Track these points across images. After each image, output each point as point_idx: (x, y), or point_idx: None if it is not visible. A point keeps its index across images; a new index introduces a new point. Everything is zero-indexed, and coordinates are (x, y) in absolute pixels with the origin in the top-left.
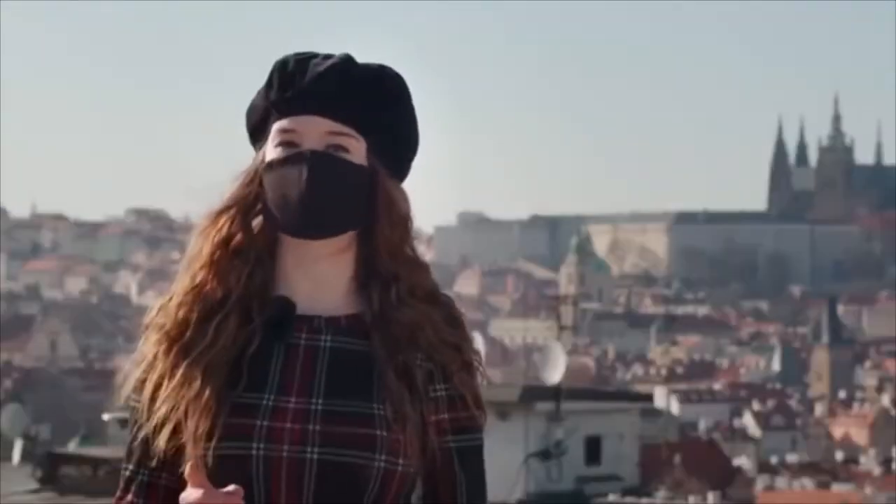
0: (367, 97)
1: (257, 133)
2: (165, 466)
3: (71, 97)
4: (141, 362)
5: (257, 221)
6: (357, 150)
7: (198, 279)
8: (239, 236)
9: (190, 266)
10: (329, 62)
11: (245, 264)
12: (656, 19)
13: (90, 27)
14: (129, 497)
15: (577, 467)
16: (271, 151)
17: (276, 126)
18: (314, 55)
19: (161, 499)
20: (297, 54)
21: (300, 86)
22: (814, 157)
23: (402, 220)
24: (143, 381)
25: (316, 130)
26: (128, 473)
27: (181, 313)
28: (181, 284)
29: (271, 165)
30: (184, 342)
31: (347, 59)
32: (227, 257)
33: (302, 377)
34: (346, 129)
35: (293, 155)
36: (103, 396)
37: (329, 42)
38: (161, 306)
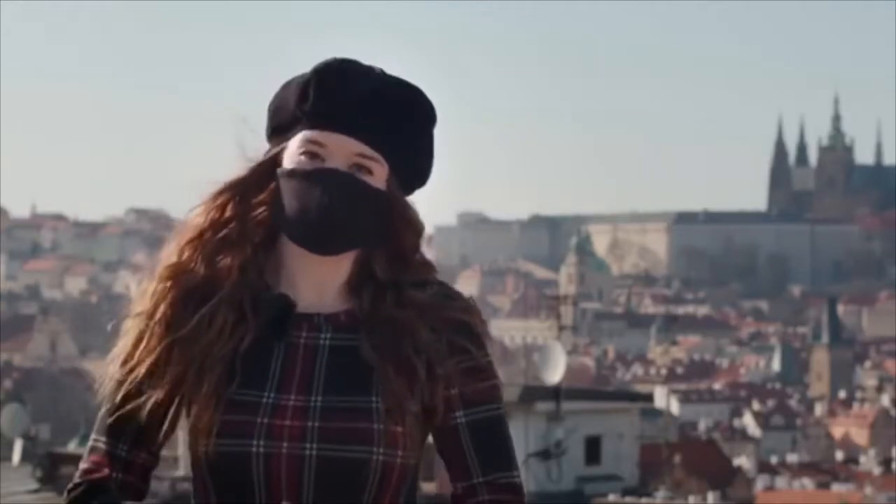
0: (399, 123)
1: (279, 131)
2: (144, 446)
3: (71, 97)
4: (132, 341)
5: (259, 214)
6: (379, 173)
7: (184, 255)
8: (233, 222)
9: (179, 239)
10: (368, 83)
11: (238, 254)
12: (656, 19)
13: (90, 27)
14: (108, 471)
15: (577, 467)
16: (294, 159)
17: (305, 136)
18: (352, 68)
19: (137, 477)
20: (336, 63)
21: (336, 103)
22: (814, 157)
23: (415, 237)
24: (131, 359)
25: (344, 150)
26: (104, 446)
27: (168, 294)
28: (166, 259)
29: (294, 173)
30: (177, 328)
31: (384, 80)
32: (217, 240)
33: (302, 375)
34: (373, 154)
35: (318, 171)
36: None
37: (329, 42)
38: (151, 276)
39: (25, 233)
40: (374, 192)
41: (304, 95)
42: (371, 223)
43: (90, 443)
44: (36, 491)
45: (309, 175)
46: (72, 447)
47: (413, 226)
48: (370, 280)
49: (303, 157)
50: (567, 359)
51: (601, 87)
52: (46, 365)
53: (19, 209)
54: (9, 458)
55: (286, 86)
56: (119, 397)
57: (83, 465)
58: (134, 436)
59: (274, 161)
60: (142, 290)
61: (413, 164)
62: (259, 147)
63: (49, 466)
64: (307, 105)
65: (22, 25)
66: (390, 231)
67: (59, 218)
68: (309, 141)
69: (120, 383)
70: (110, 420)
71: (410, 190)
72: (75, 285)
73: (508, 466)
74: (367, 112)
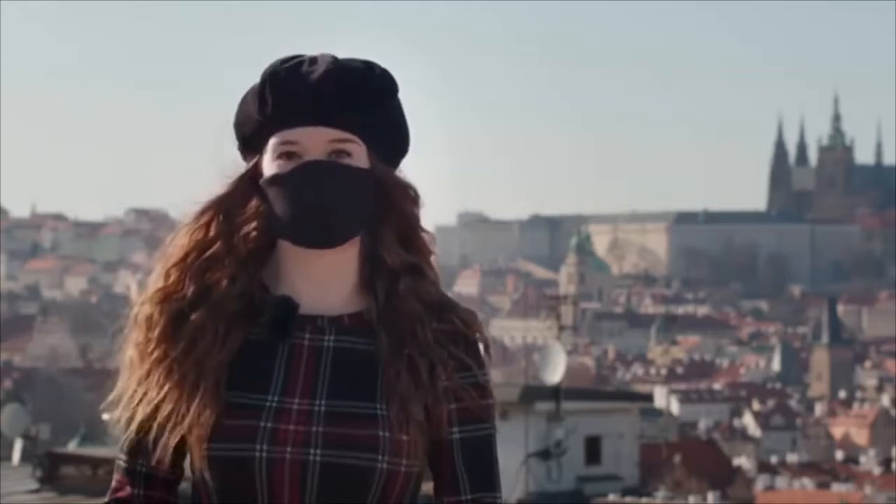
0: (363, 99)
1: (249, 144)
2: (164, 461)
3: (71, 97)
4: (131, 366)
5: (247, 227)
6: (359, 153)
7: (171, 279)
8: (219, 240)
9: (164, 263)
10: (321, 69)
11: (227, 269)
12: (656, 19)
13: (90, 27)
14: (130, 488)
15: (577, 467)
16: (272, 165)
17: (276, 139)
18: (300, 61)
19: (161, 490)
20: (283, 62)
21: (297, 98)
22: (814, 157)
23: (413, 203)
24: (135, 384)
25: (318, 140)
26: (124, 465)
27: (160, 318)
28: (153, 284)
29: (276, 178)
30: (172, 348)
31: (336, 63)
32: (203, 260)
33: (305, 378)
34: (346, 136)
35: (300, 167)
36: (102, 396)
37: (329, 42)
38: (140, 304)
39: (25, 233)
40: (360, 172)
41: (262, 101)
42: (365, 205)
43: (116, 462)
44: (36, 491)
45: (292, 174)
46: (72, 447)
47: (408, 189)
48: (382, 272)
49: (280, 161)
50: (567, 359)
51: (601, 87)
52: (46, 365)
53: (19, 209)
54: (9, 458)
55: (243, 100)
56: (131, 418)
57: (112, 484)
58: (151, 452)
59: (254, 174)
60: (133, 317)
61: (389, 135)
62: (236, 162)
63: (49, 466)
64: (268, 108)
65: (22, 25)
66: (388, 202)
67: (59, 218)
68: (282, 143)
69: (129, 405)
70: (128, 439)
71: (395, 162)
72: (75, 285)
73: (493, 487)
74: (329, 96)
